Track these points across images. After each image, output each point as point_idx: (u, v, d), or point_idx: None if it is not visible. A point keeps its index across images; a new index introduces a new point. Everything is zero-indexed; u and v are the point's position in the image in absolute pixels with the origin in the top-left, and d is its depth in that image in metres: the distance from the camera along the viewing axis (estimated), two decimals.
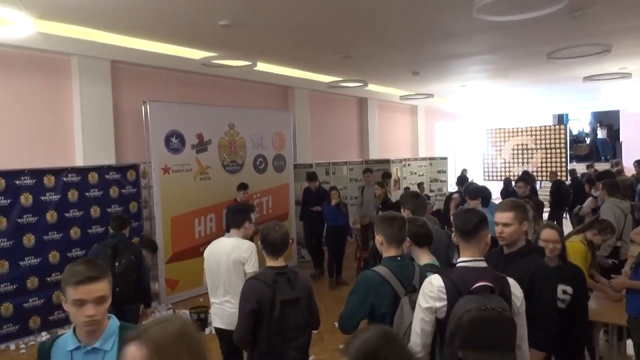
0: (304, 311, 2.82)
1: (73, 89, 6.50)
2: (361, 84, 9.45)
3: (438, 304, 2.20)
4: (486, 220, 2.35)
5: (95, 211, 6.24)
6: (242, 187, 7.33)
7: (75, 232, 6.05)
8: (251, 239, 3.83)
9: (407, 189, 10.90)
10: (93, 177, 6.24)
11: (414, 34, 6.90)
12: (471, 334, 2.05)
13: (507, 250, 2.76)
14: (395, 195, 9.83)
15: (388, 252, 2.66)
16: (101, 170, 6.34)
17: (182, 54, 7.36)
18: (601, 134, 18.84)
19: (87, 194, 6.18)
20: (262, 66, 8.43)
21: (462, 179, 14.43)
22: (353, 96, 11.82)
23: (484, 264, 2.31)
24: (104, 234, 6.22)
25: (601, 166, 14.80)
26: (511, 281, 2.29)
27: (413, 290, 2.50)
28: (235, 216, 3.71)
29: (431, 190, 12.83)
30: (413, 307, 2.39)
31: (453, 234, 2.42)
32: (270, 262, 2.82)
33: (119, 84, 7.03)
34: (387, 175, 10.78)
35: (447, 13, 5.92)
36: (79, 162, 6.44)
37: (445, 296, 2.19)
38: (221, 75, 8.27)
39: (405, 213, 3.72)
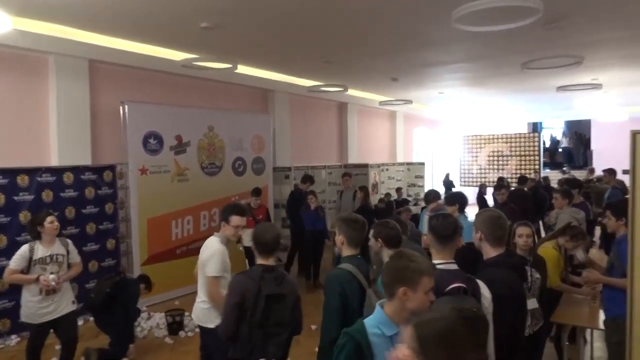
0: (288, 310, 2.88)
1: (49, 88, 6.40)
2: (341, 89, 9.50)
3: None
4: (461, 227, 2.47)
5: (70, 212, 6.14)
6: (255, 192, 7.39)
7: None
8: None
9: (387, 194, 11.01)
10: (68, 178, 6.15)
11: (393, 42, 7.00)
12: None
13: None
14: (373, 200, 9.91)
15: (348, 251, 2.84)
16: (77, 170, 6.25)
17: (162, 54, 7.31)
18: (565, 142, 19.42)
19: (62, 194, 6.08)
20: (242, 69, 8.43)
21: (447, 184, 14.63)
22: (333, 100, 11.88)
23: (455, 267, 2.40)
24: (80, 235, 6.14)
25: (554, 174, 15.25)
26: (480, 283, 2.37)
27: (374, 281, 2.73)
28: (222, 213, 3.66)
29: (409, 195, 12.95)
30: (378, 297, 2.51)
31: (425, 237, 2.50)
32: (260, 261, 2.91)
33: (97, 84, 6.95)
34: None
35: (427, 22, 6.03)
36: (54, 162, 6.34)
37: None
38: (201, 77, 8.23)
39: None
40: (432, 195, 5.93)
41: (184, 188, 7.40)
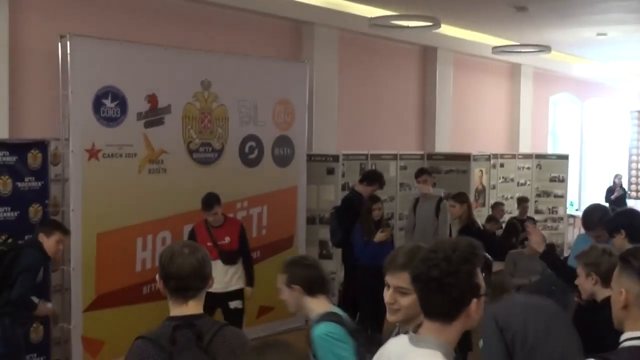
0: None
1: None
2: (428, 24, 9.32)
3: None
4: None
5: None
6: (207, 204, 6.84)
7: None
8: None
9: (498, 204, 10.77)
10: None
11: None
12: None
13: None
14: (479, 216, 9.72)
15: None
16: None
17: None
18: None
19: None
20: None
21: (613, 192, 14.32)
22: (412, 43, 11.77)
23: None
24: None
25: None
26: None
27: None
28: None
29: (538, 212, 12.66)
30: None
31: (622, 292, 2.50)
32: (174, 310, 2.93)
33: (22, 6, 7.00)
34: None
35: None
36: None
37: None
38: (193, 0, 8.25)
39: None
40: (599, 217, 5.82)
41: (159, 184, 7.38)
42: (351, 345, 3.25)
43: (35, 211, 6.61)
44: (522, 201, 11.75)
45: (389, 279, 2.71)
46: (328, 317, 3.29)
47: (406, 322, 2.72)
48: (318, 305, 3.40)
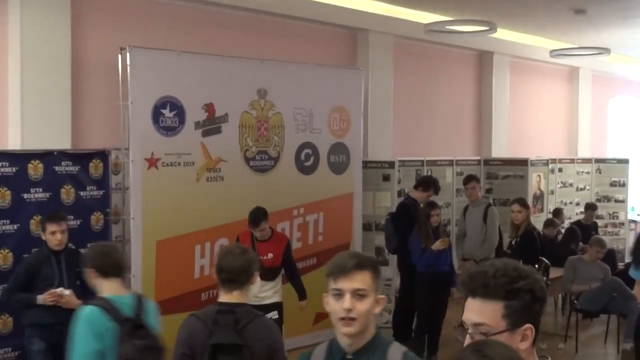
0: None
1: (10, 27, 6.62)
2: (484, 29, 9.21)
3: None
4: None
5: (36, 224, 6.28)
6: (254, 219, 6.61)
7: (4, 257, 6.14)
8: None
9: (557, 211, 10.54)
10: (35, 169, 6.32)
11: None
12: None
13: None
14: (537, 222, 9.53)
15: None
16: (48, 158, 6.41)
17: None
18: None
19: (24, 195, 6.25)
20: None
21: None
22: (468, 49, 11.70)
23: None
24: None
25: None
26: None
27: None
28: None
29: (598, 217, 12.38)
30: None
31: None
32: (222, 297, 3.58)
33: (83, 20, 7.12)
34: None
35: None
36: (14, 144, 6.54)
37: None
38: (249, 9, 8.31)
39: None
40: None
41: (216, 192, 7.42)
42: (108, 329, 3.71)
43: (96, 219, 6.70)
44: (589, 208, 11.56)
45: (344, 284, 2.57)
46: (98, 301, 3.84)
47: (359, 335, 2.61)
48: (108, 287, 3.92)
